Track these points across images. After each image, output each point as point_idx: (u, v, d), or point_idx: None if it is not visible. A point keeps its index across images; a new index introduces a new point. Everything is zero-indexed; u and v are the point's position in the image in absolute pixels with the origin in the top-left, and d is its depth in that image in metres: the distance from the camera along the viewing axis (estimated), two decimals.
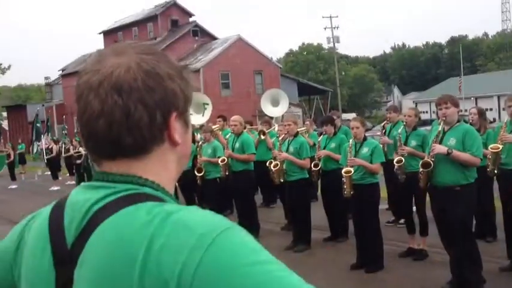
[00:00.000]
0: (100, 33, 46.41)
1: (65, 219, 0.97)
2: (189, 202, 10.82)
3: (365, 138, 6.83)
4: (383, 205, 9.86)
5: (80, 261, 0.91)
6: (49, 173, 20.06)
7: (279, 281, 0.82)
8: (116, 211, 0.91)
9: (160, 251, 0.84)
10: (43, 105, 45.58)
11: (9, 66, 39.13)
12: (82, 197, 0.97)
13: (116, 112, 0.94)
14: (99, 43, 47.61)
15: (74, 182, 16.24)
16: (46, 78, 52.79)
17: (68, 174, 18.95)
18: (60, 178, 19.13)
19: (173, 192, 1.03)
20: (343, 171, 6.58)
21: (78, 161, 15.52)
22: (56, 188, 17.50)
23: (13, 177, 20.60)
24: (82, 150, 15.28)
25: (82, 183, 1.03)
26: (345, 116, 48.66)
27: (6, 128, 45.70)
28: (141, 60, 0.97)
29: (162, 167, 1.00)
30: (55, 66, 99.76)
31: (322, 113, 42.00)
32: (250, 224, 8.65)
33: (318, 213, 8.66)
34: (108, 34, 45.39)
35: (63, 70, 49.30)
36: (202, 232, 0.84)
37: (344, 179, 6.55)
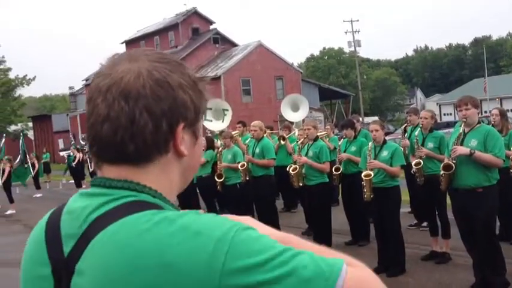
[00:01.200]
0: (122, 42, 46.97)
1: (62, 227, 0.96)
2: (210, 208, 10.86)
3: (385, 141, 6.77)
4: (405, 208, 9.78)
5: (78, 270, 0.90)
6: (73, 181, 20.34)
7: (303, 265, 0.84)
8: (114, 220, 0.89)
9: (174, 256, 0.83)
10: (67, 114, 46.37)
11: (34, 78, 39.86)
12: (79, 205, 0.96)
13: (121, 118, 0.94)
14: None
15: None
16: (70, 88, 53.62)
17: None
18: (84, 186, 19.39)
19: (173, 200, 1.02)
20: (363, 174, 6.54)
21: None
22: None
23: (38, 186, 20.94)
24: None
25: (80, 190, 1.02)
26: (367, 119, 48.43)
27: (32, 138, 46.51)
28: (153, 68, 0.97)
29: (164, 177, 0.99)
30: (79, 76, 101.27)
31: (344, 117, 41.70)
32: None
33: (339, 217, 8.62)
34: (130, 43, 45.89)
35: (86, 80, 49.97)
36: (218, 236, 0.84)
37: (364, 183, 6.50)
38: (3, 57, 39.59)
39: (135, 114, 0.94)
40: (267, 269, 0.83)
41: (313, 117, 39.61)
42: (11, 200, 15.59)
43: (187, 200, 11.43)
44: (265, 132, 11.58)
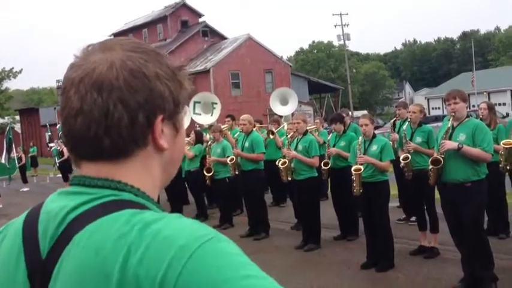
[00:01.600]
0: (110, 35, 46.58)
1: (39, 228, 0.91)
2: (198, 203, 10.82)
3: (374, 136, 6.76)
4: (394, 203, 9.79)
5: (55, 273, 0.86)
6: (60, 175, 20.18)
7: None
8: (92, 220, 0.85)
9: (138, 264, 0.78)
10: (55, 108, 45.98)
11: (20, 70, 39.55)
12: (57, 205, 0.91)
13: (95, 111, 0.89)
14: None
15: None
16: (58, 81, 53.19)
17: None
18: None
19: (157, 198, 0.97)
20: (352, 169, 6.51)
21: None
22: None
23: (25, 180, 20.77)
24: None
25: (58, 190, 0.97)
26: (357, 113, 48.51)
27: (19, 131, 46.10)
28: (127, 58, 0.92)
29: (145, 173, 0.94)
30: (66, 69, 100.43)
31: (334, 110, 41.76)
32: (260, 223, 8.64)
33: (328, 211, 8.60)
34: (118, 36, 45.55)
35: None
36: (182, 243, 0.79)
37: (353, 177, 6.48)
38: None
39: (109, 107, 0.89)
40: None
41: (302, 111, 39.66)
42: None
43: (176, 194, 11.40)
44: (254, 126, 11.55)
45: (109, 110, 0.89)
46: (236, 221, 9.78)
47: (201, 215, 10.55)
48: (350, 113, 10.36)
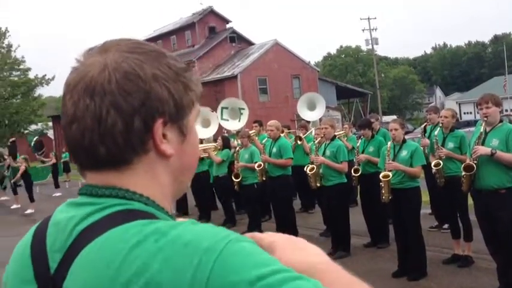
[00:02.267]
0: None
1: (48, 241, 0.88)
2: (226, 208, 10.80)
3: (404, 141, 6.62)
4: (426, 209, 9.59)
5: (66, 287, 0.82)
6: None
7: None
8: (102, 232, 0.81)
9: (159, 273, 0.74)
10: None
11: (53, 77, 40.14)
12: (65, 216, 0.87)
13: (87, 117, 0.84)
14: None
15: None
16: None
17: None
18: None
19: (170, 208, 0.93)
20: (381, 175, 6.39)
21: None
22: None
23: (57, 185, 21.07)
24: None
25: (68, 200, 0.93)
26: (386, 118, 47.97)
27: (52, 138, 46.96)
28: (123, 59, 0.86)
29: (152, 180, 0.89)
30: None
31: (362, 115, 41.42)
32: (289, 229, 8.56)
33: (358, 218, 8.47)
34: None
35: None
36: (206, 246, 0.76)
37: (382, 184, 6.35)
38: (22, 57, 39.99)
39: (102, 113, 0.84)
40: None
41: (330, 116, 39.45)
42: (32, 199, 15.69)
43: (204, 200, 11.42)
44: (283, 131, 11.51)
45: (102, 116, 0.84)
46: (264, 227, 9.71)
47: (229, 221, 10.53)
48: (379, 118, 10.17)
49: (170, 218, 0.89)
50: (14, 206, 16.73)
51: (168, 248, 0.76)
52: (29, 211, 15.57)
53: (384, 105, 61.20)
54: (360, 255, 7.57)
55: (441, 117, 7.04)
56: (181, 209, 12.40)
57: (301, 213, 11.02)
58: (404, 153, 6.45)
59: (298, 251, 0.93)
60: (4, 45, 38.88)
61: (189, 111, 0.91)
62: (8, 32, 39.64)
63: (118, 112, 0.84)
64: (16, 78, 39.23)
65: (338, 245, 7.58)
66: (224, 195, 10.89)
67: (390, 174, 6.34)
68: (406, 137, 7.34)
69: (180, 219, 0.88)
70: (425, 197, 9.43)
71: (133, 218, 0.82)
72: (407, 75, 72.71)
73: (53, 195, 19.92)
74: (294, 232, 8.57)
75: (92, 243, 0.81)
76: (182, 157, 0.92)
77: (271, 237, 0.98)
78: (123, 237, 0.79)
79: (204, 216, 11.28)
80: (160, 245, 0.77)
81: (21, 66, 39.86)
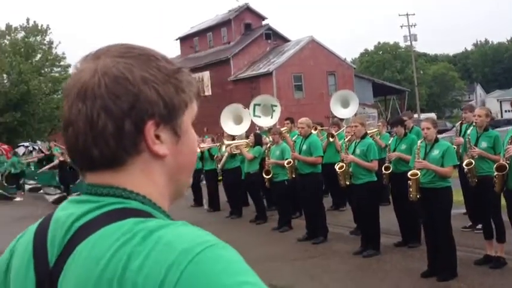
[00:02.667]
0: (176, 39, 47.66)
1: (49, 236, 0.91)
2: (257, 205, 10.84)
3: (436, 140, 6.51)
4: (460, 209, 9.41)
5: (60, 282, 0.86)
6: None
7: None
8: (96, 229, 0.84)
9: (137, 272, 0.77)
10: None
11: None
12: (65, 213, 0.91)
13: (80, 121, 0.88)
14: (176, 49, 48.93)
15: None
16: None
17: None
18: None
19: (167, 206, 0.96)
20: (409, 173, 6.31)
21: None
22: None
23: None
24: None
25: (69, 197, 0.97)
26: (424, 116, 47.14)
27: None
28: (113, 64, 0.89)
29: (147, 180, 0.92)
30: None
31: (399, 113, 40.81)
32: (318, 227, 8.54)
33: (389, 217, 8.37)
34: (184, 40, 46.54)
35: None
36: (183, 248, 0.78)
37: (410, 182, 6.27)
38: (63, 53, 41.02)
39: (93, 116, 0.87)
40: None
41: (366, 114, 39.00)
42: (67, 192, 16.09)
43: (235, 197, 11.50)
44: (315, 128, 11.46)
45: (93, 119, 0.87)
46: (295, 224, 9.72)
47: (260, 217, 10.57)
48: (413, 116, 10.00)
49: (167, 217, 0.91)
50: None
51: (150, 246, 0.79)
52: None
53: (422, 102, 60.16)
54: (389, 254, 7.49)
55: (474, 116, 6.90)
56: (213, 205, 12.53)
57: (332, 211, 10.97)
58: (435, 152, 6.34)
59: None
60: (45, 42, 39.97)
61: (182, 112, 0.93)
62: (50, 29, 40.73)
63: (108, 115, 0.87)
64: (57, 74, 40.35)
65: (367, 244, 7.52)
66: (255, 192, 10.94)
67: (418, 172, 6.24)
68: (444, 135, 7.22)
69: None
70: (459, 196, 9.29)
71: (127, 217, 0.85)
72: (447, 72, 71.29)
73: None
74: (324, 230, 8.56)
75: (86, 240, 0.84)
76: (178, 157, 0.94)
77: None
78: (114, 235, 0.82)
79: (236, 212, 11.37)
80: (145, 243, 0.80)
81: (62, 63, 40.96)
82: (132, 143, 0.89)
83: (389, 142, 8.23)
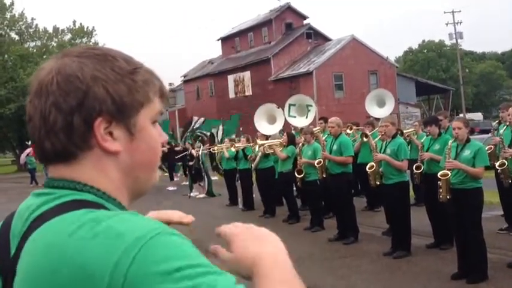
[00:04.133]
0: (218, 39, 48.09)
1: (12, 227, 0.97)
2: (290, 204, 10.84)
3: (468, 140, 6.37)
4: (497, 211, 9.17)
5: (17, 270, 0.90)
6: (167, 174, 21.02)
7: (209, 285, 0.79)
8: (49, 219, 0.89)
9: (88, 259, 0.81)
10: (167, 110, 48.37)
11: None
12: (25, 205, 0.97)
13: (36, 116, 0.94)
14: (217, 49, 49.31)
15: (188, 183, 16.89)
16: (170, 84, 55.75)
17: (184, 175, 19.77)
18: (177, 179, 20.07)
19: (127, 202, 1.00)
20: (439, 174, 6.20)
21: (191, 163, 16.14)
22: (172, 189, 18.35)
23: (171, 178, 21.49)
24: (194, 152, 15.89)
25: (34, 190, 1.02)
26: (470, 115, 45.90)
27: None
28: (70, 63, 0.94)
29: (100, 174, 0.96)
30: (178, 72, 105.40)
31: None
32: (349, 227, 8.49)
33: (422, 218, 8.25)
34: (225, 40, 46.91)
35: (184, 76, 51.82)
36: (137, 236, 0.82)
37: (440, 183, 6.17)
38: None
39: (46, 112, 0.93)
40: (173, 279, 0.79)
41: (409, 113, 38.31)
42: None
43: (268, 196, 11.55)
44: (351, 128, 11.38)
45: (46, 114, 0.93)
46: (327, 224, 9.68)
47: (293, 217, 10.58)
48: (448, 116, 9.75)
49: (121, 208, 0.96)
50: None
51: (101, 235, 0.82)
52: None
53: (468, 102, 58.64)
54: (420, 256, 7.37)
55: (509, 115, 6.72)
56: (248, 204, 12.62)
57: (366, 212, 10.88)
58: (467, 152, 6.21)
59: (253, 241, 0.99)
60: (91, 43, 41.00)
61: (135, 111, 0.96)
62: (95, 31, 41.82)
63: (58, 111, 0.92)
64: None
65: (398, 245, 7.43)
66: (288, 191, 10.96)
67: (449, 173, 6.14)
68: (490, 135, 7.00)
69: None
70: (496, 198, 9.05)
71: (78, 207, 0.89)
72: (495, 71, 69.14)
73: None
74: (355, 230, 8.50)
75: (38, 229, 0.89)
76: (133, 154, 0.97)
77: (234, 228, 1.05)
78: (64, 224, 0.86)
79: (269, 211, 11.41)
80: (95, 232, 0.83)
81: None
82: (82, 138, 0.93)
83: (422, 141, 8.10)
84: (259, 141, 11.36)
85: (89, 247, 0.82)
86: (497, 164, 6.43)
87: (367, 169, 7.81)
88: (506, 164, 6.32)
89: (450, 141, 6.41)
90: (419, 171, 7.84)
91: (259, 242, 0.99)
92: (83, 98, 0.92)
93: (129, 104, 0.95)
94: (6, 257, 0.94)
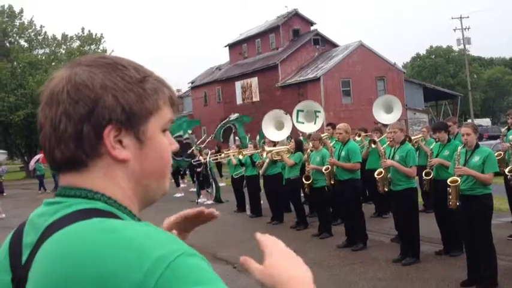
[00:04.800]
0: (226, 46, 48.19)
1: (24, 235, 0.98)
2: (298, 211, 10.81)
3: (477, 146, 6.34)
4: (507, 218, 9.10)
5: (29, 279, 0.90)
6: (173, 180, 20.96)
7: None
8: (60, 228, 0.89)
9: (109, 269, 0.81)
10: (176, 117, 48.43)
11: None
12: (37, 213, 0.97)
13: (47, 124, 0.95)
14: (225, 56, 49.43)
15: (195, 190, 16.87)
16: (178, 90, 55.90)
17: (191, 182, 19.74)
18: (184, 185, 20.04)
19: (137, 210, 1.00)
20: (448, 180, 6.17)
21: (198, 169, 16.12)
22: (179, 195, 18.33)
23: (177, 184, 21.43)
24: (201, 158, 15.88)
25: (45, 199, 1.02)
26: (478, 121, 45.70)
27: None
28: (81, 71, 0.95)
29: (110, 182, 0.96)
30: (185, 79, 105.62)
31: None
32: (357, 234, 8.46)
33: (432, 224, 8.20)
34: (233, 47, 46.99)
35: (192, 83, 51.95)
36: (158, 255, 0.82)
37: (450, 189, 6.13)
38: None
39: (56, 120, 0.94)
40: None
41: (417, 119, 38.17)
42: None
43: (276, 202, 11.52)
44: (359, 135, 11.34)
45: (56, 122, 0.94)
46: (335, 231, 9.64)
47: (301, 223, 10.55)
48: (457, 122, 9.70)
49: (132, 218, 0.96)
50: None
51: (119, 246, 0.83)
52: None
53: (477, 107, 58.39)
54: (429, 262, 7.33)
55: None
56: (255, 210, 12.59)
57: (375, 218, 10.83)
58: (476, 158, 6.18)
59: (288, 261, 1.01)
60: (99, 50, 41.23)
61: (145, 119, 0.97)
62: (103, 37, 42.07)
63: (68, 119, 0.93)
64: None
65: (407, 251, 7.39)
66: (296, 198, 10.93)
67: (459, 179, 6.10)
68: (499, 140, 6.94)
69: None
70: (505, 204, 8.99)
71: (92, 216, 0.89)
72: (503, 77, 68.89)
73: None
74: (363, 237, 8.46)
75: (50, 237, 0.89)
76: (143, 162, 0.98)
77: (274, 244, 1.06)
78: (78, 232, 0.87)
79: (277, 218, 11.39)
80: (112, 242, 0.83)
81: None
82: (92, 147, 0.93)
83: (432, 147, 8.06)
84: (266, 148, 11.34)
85: (107, 258, 0.82)
86: (507, 170, 6.38)
87: (375, 175, 7.78)
88: None
89: (459, 147, 6.37)
90: (429, 177, 7.79)
91: (293, 263, 1.02)
92: (92, 107, 0.93)
93: (138, 112, 0.96)
94: (18, 265, 0.95)
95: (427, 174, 7.86)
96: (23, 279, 0.92)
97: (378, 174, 7.68)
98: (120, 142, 0.95)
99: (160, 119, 1.00)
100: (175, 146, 1.06)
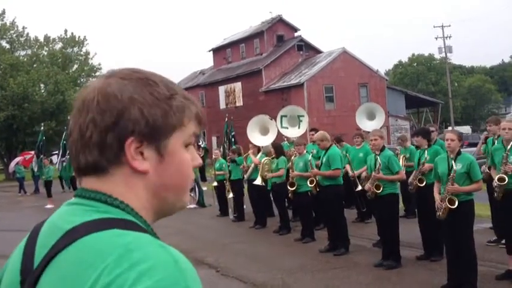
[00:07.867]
0: (209, 50, 48.22)
1: (39, 237, 0.99)
2: (282, 215, 10.85)
3: (459, 153, 6.43)
4: (487, 223, 9.26)
5: (40, 283, 0.92)
6: None
7: None
8: (80, 236, 0.91)
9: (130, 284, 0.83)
10: None
11: None
12: (57, 215, 1.00)
13: (75, 130, 1.00)
14: (209, 60, 49.43)
15: None
16: None
17: None
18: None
19: (151, 222, 1.02)
20: (496, 178, 6.32)
21: None
22: None
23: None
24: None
25: (67, 201, 1.04)
26: (458, 128, 46.32)
27: None
28: (114, 83, 1.00)
29: (129, 190, 0.99)
30: None
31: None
32: (340, 239, 8.53)
33: (414, 230, 8.30)
34: (217, 51, 47.03)
35: None
36: (160, 277, 0.85)
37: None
38: (99, 64, 42.00)
39: (84, 127, 0.98)
40: None
41: (398, 126, 38.58)
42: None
43: (260, 207, 11.56)
44: (350, 140, 11.38)
45: (83, 129, 0.98)
46: (318, 236, 9.71)
47: (284, 228, 10.59)
48: (437, 129, 9.83)
49: (148, 228, 0.99)
50: None
51: (125, 266, 0.85)
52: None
53: (457, 115, 59.13)
54: (410, 267, 7.42)
55: (503, 129, 6.76)
56: (238, 215, 12.61)
57: (357, 223, 10.92)
58: (459, 166, 6.26)
59: None
60: (82, 52, 40.98)
61: (168, 134, 1.00)
62: (86, 40, 41.80)
63: (95, 127, 0.97)
64: None
65: (388, 256, 7.47)
66: (280, 202, 10.98)
67: (506, 177, 6.24)
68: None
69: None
70: (486, 210, 9.14)
71: (112, 226, 0.92)
72: (483, 85, 69.88)
73: None
74: (346, 241, 8.54)
75: (71, 245, 0.91)
76: (162, 175, 1.00)
77: None
78: (96, 244, 0.89)
79: (260, 222, 11.42)
80: (130, 262, 0.86)
81: (98, 73, 41.90)
82: (115, 155, 0.97)
83: (419, 155, 8.07)
84: (252, 156, 11.36)
85: (110, 275, 0.84)
86: (496, 178, 6.42)
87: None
88: (507, 179, 6.30)
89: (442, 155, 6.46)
90: (422, 184, 7.80)
91: None
92: (118, 117, 0.97)
93: (161, 127, 0.99)
94: (30, 267, 0.96)
95: (421, 181, 7.85)
96: (32, 283, 0.93)
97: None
98: (142, 154, 0.98)
99: (183, 134, 1.02)
100: (198, 161, 1.08)
